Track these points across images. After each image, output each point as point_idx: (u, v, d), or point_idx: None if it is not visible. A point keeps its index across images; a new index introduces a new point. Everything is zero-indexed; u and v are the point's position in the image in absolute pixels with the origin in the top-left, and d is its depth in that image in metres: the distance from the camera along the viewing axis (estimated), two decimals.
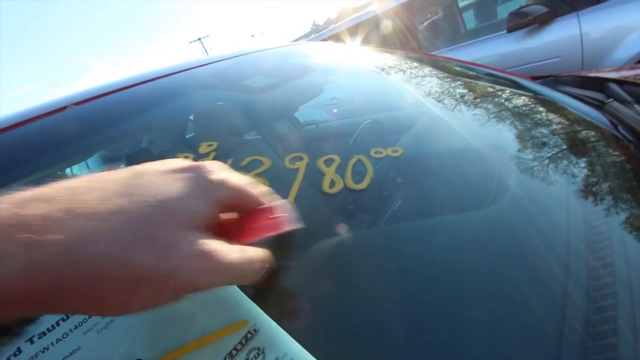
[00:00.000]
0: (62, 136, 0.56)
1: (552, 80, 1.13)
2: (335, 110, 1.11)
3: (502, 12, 3.58)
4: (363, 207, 0.44)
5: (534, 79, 1.16)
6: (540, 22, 1.92)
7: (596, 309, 0.35)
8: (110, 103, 0.60)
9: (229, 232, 0.23)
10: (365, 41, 2.84)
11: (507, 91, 0.90)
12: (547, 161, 0.57)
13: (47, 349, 0.25)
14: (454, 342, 0.32)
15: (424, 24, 3.02)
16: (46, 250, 0.16)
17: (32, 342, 0.25)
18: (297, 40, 3.89)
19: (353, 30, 2.92)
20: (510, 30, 2.01)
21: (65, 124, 0.55)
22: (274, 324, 0.25)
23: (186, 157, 0.43)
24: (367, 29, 2.85)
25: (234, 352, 0.24)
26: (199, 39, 35.51)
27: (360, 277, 0.38)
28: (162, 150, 1.40)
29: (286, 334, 0.25)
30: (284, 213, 0.25)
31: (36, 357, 0.24)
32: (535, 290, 0.37)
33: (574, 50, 1.84)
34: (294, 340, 0.25)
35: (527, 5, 2.01)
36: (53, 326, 0.26)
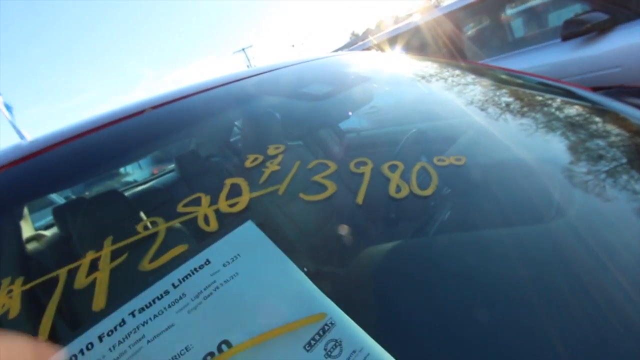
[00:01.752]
0: (140, 136, 0.62)
1: (616, 91, 1.06)
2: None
3: (554, 19, 3.41)
4: (427, 214, 0.44)
5: (594, 89, 1.09)
6: (600, 29, 1.80)
7: None
8: (180, 108, 0.66)
9: None
10: (408, 51, 2.83)
11: (566, 101, 0.85)
12: (614, 179, 0.53)
13: (147, 323, 0.28)
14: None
15: (469, 33, 2.95)
16: None
17: (134, 316, 0.28)
18: (338, 50, 3.95)
19: (395, 40, 2.91)
20: (566, 38, 1.91)
21: (143, 125, 0.61)
22: (349, 318, 0.27)
23: (256, 159, 0.47)
24: (410, 39, 2.83)
25: (312, 342, 0.25)
26: (243, 49, 37.14)
27: (422, 280, 0.38)
28: (212, 152, 1.48)
29: (360, 329, 0.26)
30: None
31: (138, 329, 0.27)
32: (593, 312, 0.36)
33: (637, 59, 1.70)
34: (367, 334, 0.26)
35: (584, 13, 1.90)
36: (150, 303, 0.29)
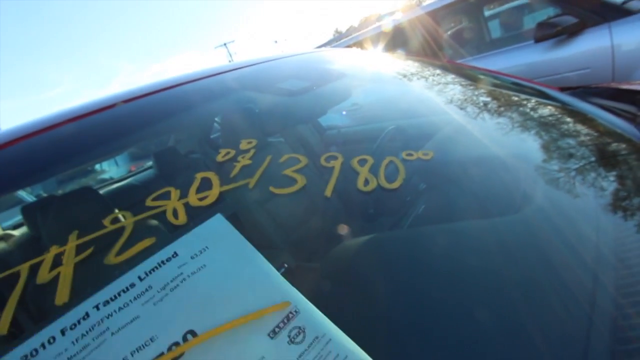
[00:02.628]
0: (112, 131, 0.60)
1: (582, 91, 1.11)
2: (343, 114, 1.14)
3: (529, 22, 3.53)
4: (394, 207, 0.46)
5: (562, 89, 1.14)
6: (570, 32, 1.88)
7: (623, 317, 0.35)
8: (155, 102, 0.64)
9: None
10: (389, 49, 2.86)
11: (535, 101, 0.89)
12: (575, 173, 0.56)
13: (111, 316, 0.28)
14: (462, 344, 0.33)
15: (449, 33, 3.01)
16: None
17: (98, 309, 0.28)
18: (320, 47, 3.95)
19: (377, 38, 2.94)
20: (539, 40, 1.98)
21: (116, 119, 0.60)
22: (313, 306, 0.27)
23: (228, 153, 0.47)
24: (391, 37, 2.86)
25: (276, 330, 0.26)
26: (225, 44, 36.48)
27: (388, 273, 0.39)
28: (190, 148, 1.45)
29: (324, 316, 0.27)
30: None
31: (102, 322, 0.27)
32: (555, 298, 0.38)
33: (605, 61, 1.79)
34: (331, 322, 0.27)
35: (556, 16, 1.98)
36: (115, 296, 0.29)
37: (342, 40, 3.52)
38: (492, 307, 0.37)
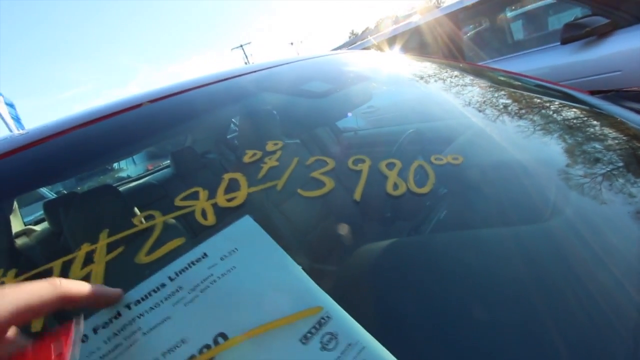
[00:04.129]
0: (139, 130, 0.61)
1: (614, 95, 1.06)
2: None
3: (554, 23, 3.42)
4: (424, 212, 0.44)
5: (592, 93, 1.10)
6: (600, 33, 1.81)
7: None
8: (182, 101, 0.65)
9: None
10: (408, 51, 2.83)
11: (564, 104, 0.86)
12: (609, 181, 0.54)
13: (142, 316, 0.28)
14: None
15: (469, 35, 2.96)
16: None
17: (129, 308, 0.28)
18: (337, 49, 3.94)
19: (395, 40, 2.91)
20: (565, 42, 1.91)
21: (140, 119, 0.61)
22: (345, 312, 0.27)
23: (255, 154, 0.46)
24: (410, 39, 2.83)
25: (308, 335, 0.25)
26: (241, 46, 37.01)
27: (412, 278, 0.38)
28: (208, 149, 1.47)
29: (356, 322, 0.26)
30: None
31: (133, 322, 0.27)
32: (581, 309, 0.36)
33: (637, 64, 1.72)
34: (364, 329, 0.26)
35: (584, 17, 1.91)
36: (146, 296, 0.29)
37: (358, 43, 3.51)
38: (518, 317, 0.35)
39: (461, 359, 0.32)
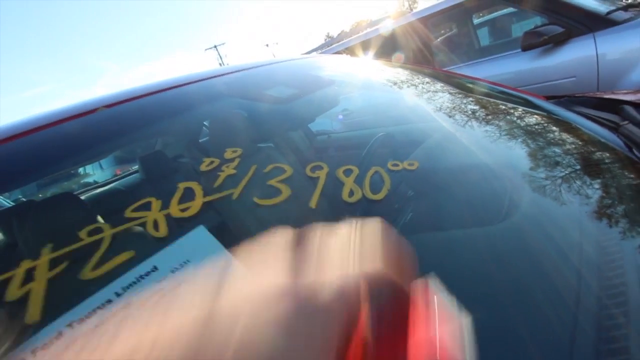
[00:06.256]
0: (92, 136, 0.59)
1: (566, 100, 1.14)
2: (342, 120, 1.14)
3: (517, 30, 3.61)
4: (380, 216, 0.45)
5: (548, 98, 1.17)
6: (555, 42, 1.93)
7: (607, 317, 0.36)
8: (138, 107, 0.63)
9: None
10: (379, 55, 2.89)
11: (521, 109, 0.91)
12: (560, 181, 0.57)
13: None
14: None
15: (438, 40, 3.06)
16: None
17: (72, 327, 0.27)
18: (310, 52, 3.96)
19: (367, 45, 2.96)
20: (525, 49, 2.02)
21: (96, 124, 0.59)
22: None
23: (212, 162, 0.46)
24: (381, 44, 2.89)
25: None
26: (215, 47, 36.34)
27: None
28: (177, 153, 1.44)
29: None
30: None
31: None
32: (539, 301, 0.38)
33: (590, 70, 1.84)
34: None
35: (542, 25, 2.03)
36: (89, 314, 0.28)
37: (332, 46, 3.54)
38: (479, 313, 0.37)
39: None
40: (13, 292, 0.30)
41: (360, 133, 1.31)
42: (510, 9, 3.44)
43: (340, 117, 1.38)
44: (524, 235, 0.48)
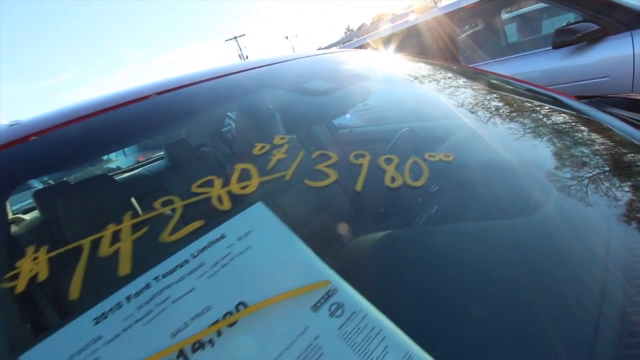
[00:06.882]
0: (145, 122, 0.64)
1: (599, 100, 1.12)
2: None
3: (548, 27, 3.49)
4: (418, 204, 0.49)
5: (579, 98, 1.15)
6: (590, 40, 1.87)
7: (630, 323, 0.37)
8: (189, 95, 0.68)
9: None
10: (402, 50, 2.86)
11: (551, 108, 0.91)
12: (588, 181, 0.58)
13: (169, 287, 0.31)
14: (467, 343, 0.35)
15: (463, 36, 3.00)
16: None
17: (157, 280, 0.32)
18: (330, 46, 3.95)
19: (390, 39, 2.94)
20: (557, 46, 1.97)
21: (149, 111, 0.64)
22: (349, 286, 0.31)
23: (263, 147, 0.50)
24: (405, 39, 2.86)
25: (318, 304, 0.29)
26: (235, 38, 36.57)
27: (403, 267, 0.42)
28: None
29: (359, 295, 0.30)
30: None
31: (162, 292, 0.31)
32: (560, 299, 0.40)
33: (625, 70, 1.78)
34: (365, 300, 0.30)
35: (575, 22, 1.97)
36: (172, 270, 0.32)
37: (353, 40, 3.52)
38: (500, 306, 0.39)
39: (450, 333, 0.36)
40: (104, 250, 0.35)
41: (382, 128, 1.33)
42: (541, 4, 3.32)
43: (348, 116, 1.40)
44: (548, 231, 0.50)
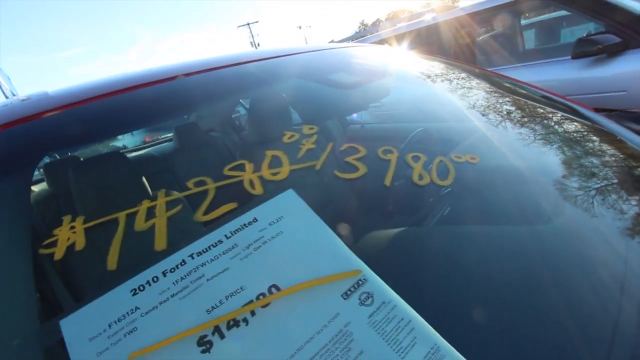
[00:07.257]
0: (170, 103, 0.64)
1: (618, 114, 1.11)
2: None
3: (567, 35, 3.44)
4: (441, 204, 0.49)
5: (597, 110, 1.14)
6: (610, 52, 1.85)
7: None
8: (214, 78, 0.68)
9: None
10: (419, 49, 2.84)
11: (571, 118, 0.91)
12: (605, 194, 0.58)
13: (204, 265, 0.32)
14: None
15: (480, 39, 2.97)
16: None
17: (192, 258, 0.33)
18: (344, 40, 3.91)
19: (409, 36, 2.91)
20: (577, 56, 1.95)
21: (176, 92, 0.64)
22: (378, 277, 0.32)
23: (292, 136, 0.51)
24: (423, 37, 2.84)
25: (348, 292, 0.30)
26: (248, 25, 36.24)
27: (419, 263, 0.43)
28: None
29: (387, 286, 0.31)
30: None
31: (197, 269, 0.32)
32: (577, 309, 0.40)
33: None
34: (394, 292, 0.31)
35: (597, 33, 1.94)
36: (206, 249, 0.33)
37: (368, 35, 3.49)
38: (510, 309, 0.40)
39: (463, 323, 0.37)
40: (140, 224, 0.36)
41: (394, 126, 1.32)
42: (562, 12, 3.27)
43: (355, 115, 1.40)
44: (563, 240, 0.50)
